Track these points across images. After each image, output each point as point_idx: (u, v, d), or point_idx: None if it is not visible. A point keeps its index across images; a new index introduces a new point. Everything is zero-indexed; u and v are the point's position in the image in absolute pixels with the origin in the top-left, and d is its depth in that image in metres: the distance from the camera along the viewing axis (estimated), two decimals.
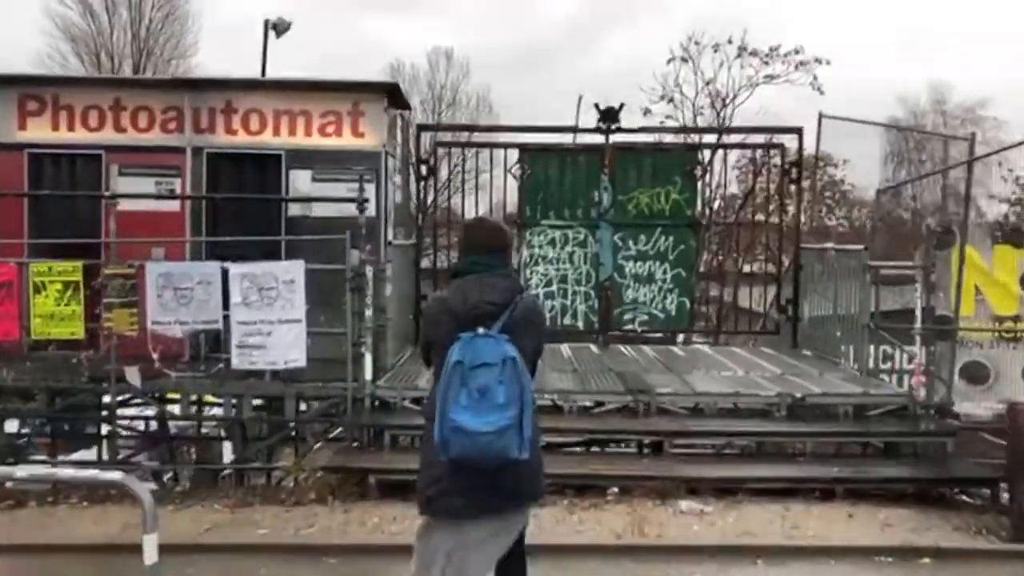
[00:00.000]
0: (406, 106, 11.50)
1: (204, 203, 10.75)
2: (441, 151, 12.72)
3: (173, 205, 10.79)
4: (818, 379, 9.60)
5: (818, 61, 21.01)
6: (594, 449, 8.78)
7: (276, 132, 10.77)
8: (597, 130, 12.11)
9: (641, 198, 12.17)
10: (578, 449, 8.80)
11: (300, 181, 10.74)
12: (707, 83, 20.17)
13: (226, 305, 8.97)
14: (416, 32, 53.68)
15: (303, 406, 9.57)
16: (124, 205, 10.68)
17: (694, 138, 15.50)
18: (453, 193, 21.26)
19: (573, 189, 12.21)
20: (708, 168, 12.37)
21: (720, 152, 12.71)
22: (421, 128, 12.26)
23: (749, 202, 16.00)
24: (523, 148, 12.24)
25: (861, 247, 10.37)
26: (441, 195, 15.06)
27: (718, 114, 20.33)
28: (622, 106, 12.24)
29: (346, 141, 10.76)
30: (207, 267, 9.29)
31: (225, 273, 9.09)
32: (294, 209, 10.75)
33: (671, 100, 19.91)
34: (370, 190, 10.65)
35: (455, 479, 3.60)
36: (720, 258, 14.82)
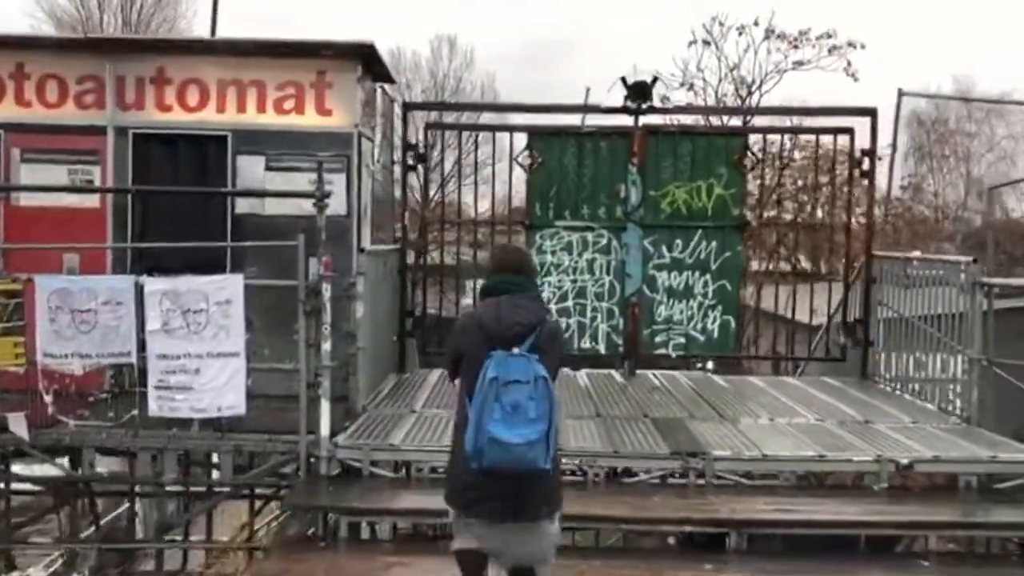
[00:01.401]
0: (388, 78, 9.27)
1: (131, 198, 8.50)
2: (433, 135, 10.42)
3: (91, 200, 8.55)
4: (916, 431, 7.34)
5: (852, 45, 18.98)
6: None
7: (221, 108, 8.52)
8: (624, 110, 9.84)
9: (677, 193, 9.90)
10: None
11: (250, 170, 8.49)
12: (732, 69, 17.99)
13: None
14: (417, 18, 51.32)
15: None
16: (27, 200, 8.52)
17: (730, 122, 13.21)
18: (448, 184, 18.85)
19: (593, 182, 9.93)
20: (760, 157, 10.05)
21: (768, 139, 10.39)
22: (408, 107, 10.02)
23: (806, 198, 13.67)
24: (532, 132, 9.97)
25: (966, 259, 8.08)
26: (437, 189, 12.74)
27: (743, 102, 18.15)
28: (655, 80, 9.97)
29: (309, 120, 8.50)
30: (116, 282, 7.06)
31: (142, 290, 6.89)
32: (243, 206, 8.51)
33: (691, 87, 17.76)
34: (338, 182, 8.44)
35: (486, 486, 3.79)
36: (770, 267, 12.53)
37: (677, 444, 6.82)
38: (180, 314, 6.90)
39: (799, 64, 18.84)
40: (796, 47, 19.67)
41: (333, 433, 6.94)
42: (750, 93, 18.67)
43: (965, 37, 50.96)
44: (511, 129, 9.95)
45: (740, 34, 18.34)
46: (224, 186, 8.43)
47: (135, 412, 7.05)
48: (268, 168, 8.49)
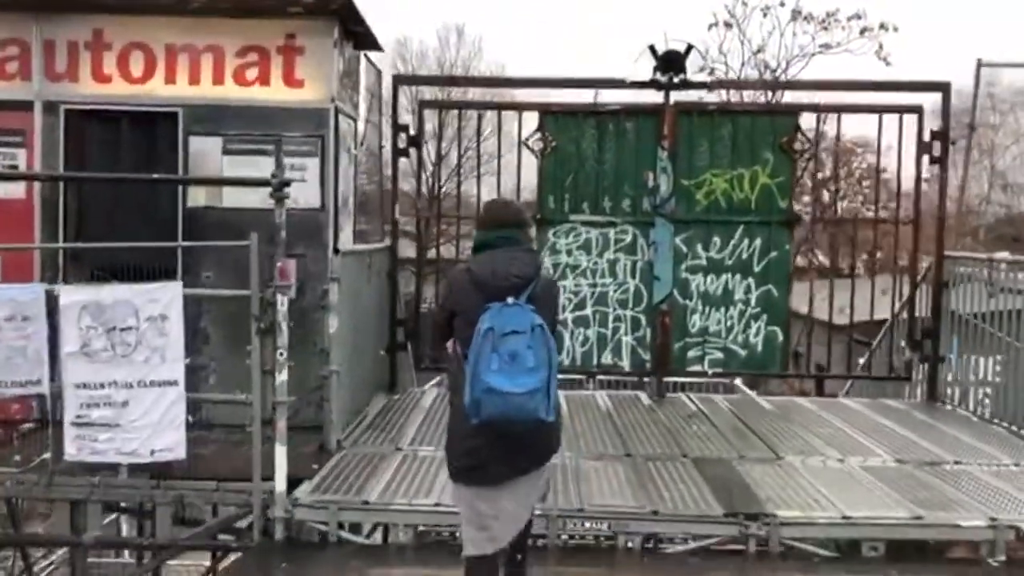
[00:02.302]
0: (374, 44, 7.80)
1: (62, 188, 7.07)
2: (429, 113, 8.93)
3: (15, 190, 7.11)
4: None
5: (884, 28, 17.63)
6: None
7: (170, 79, 7.05)
8: (652, 84, 8.37)
9: (716, 182, 8.44)
10: None
11: (205, 154, 7.04)
12: (756, 52, 16.51)
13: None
14: (424, 7, 49.72)
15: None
16: None
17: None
18: (448, 174, 17.26)
19: (617, 169, 8.47)
20: (812, 141, 8.54)
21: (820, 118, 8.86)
22: (399, 81, 8.49)
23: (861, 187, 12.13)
24: (545, 110, 8.49)
25: None
26: (432, 178, 11.00)
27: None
28: (689, 49, 8.48)
29: (276, 93, 7.04)
30: (20, 292, 5.61)
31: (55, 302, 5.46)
32: (196, 197, 7.06)
33: (712, 72, 16.31)
34: (311, 168, 7.02)
35: (491, 448, 3.69)
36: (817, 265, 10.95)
37: (730, 499, 5.36)
38: (104, 332, 5.48)
39: (826, 47, 17.61)
40: (825, 28, 18.42)
41: (296, 482, 5.52)
42: (775, 79, 17.24)
43: (991, 24, 49.16)
44: (520, 107, 8.46)
45: (764, 15, 17.14)
46: (175, 173, 6.99)
47: (47, 455, 5.66)
48: (226, 151, 7.03)
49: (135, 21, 7.02)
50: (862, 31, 17.80)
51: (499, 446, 3.67)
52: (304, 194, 6.95)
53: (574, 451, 6.34)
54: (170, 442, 5.50)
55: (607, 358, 8.51)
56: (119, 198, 7.12)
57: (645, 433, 7.09)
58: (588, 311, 8.49)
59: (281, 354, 5.26)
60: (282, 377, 5.28)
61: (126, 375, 5.45)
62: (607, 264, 8.46)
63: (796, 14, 17.92)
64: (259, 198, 6.58)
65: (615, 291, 8.47)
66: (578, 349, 8.49)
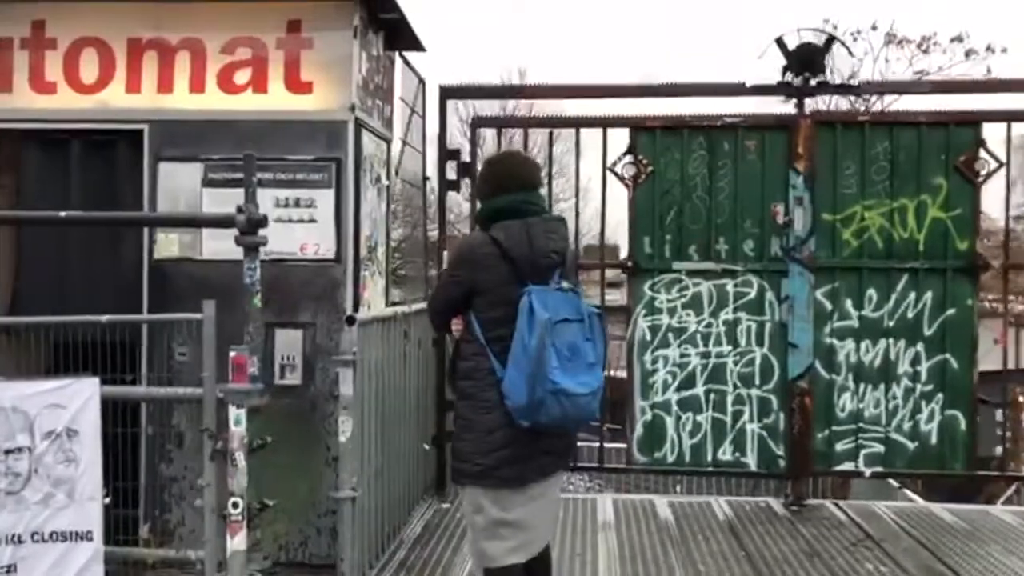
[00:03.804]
0: (412, 41, 5.87)
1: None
2: (486, 134, 6.94)
3: None
4: None
5: (990, 50, 15.75)
6: None
7: (133, 85, 5.19)
8: (783, 88, 6.32)
9: (870, 217, 6.30)
10: None
11: (179, 184, 5.14)
12: (849, 77, 14.45)
13: None
14: (482, 53, 48.35)
15: None
16: None
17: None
18: None
19: (735, 201, 6.37)
20: (1001, 160, 6.31)
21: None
22: (448, 94, 6.47)
23: None
24: (638, 126, 6.43)
25: None
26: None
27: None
28: (831, 42, 6.39)
29: (275, 100, 5.13)
30: None
31: None
32: (167, 246, 5.15)
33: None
34: (322, 203, 5.07)
35: (521, 446, 3.25)
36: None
37: None
38: None
39: (923, 73, 15.78)
40: (924, 52, 16.59)
41: None
42: (866, 106, 15.30)
43: None
44: (605, 123, 6.39)
45: (855, 40, 15.51)
46: (140, 208, 5.09)
47: None
48: (208, 183, 5.12)
49: (87, 9, 5.20)
50: (967, 53, 16.00)
51: (529, 444, 3.27)
52: (312, 239, 5.05)
53: None
54: None
55: (726, 453, 6.33)
56: (66, 249, 5.26)
57: (794, 569, 4.90)
58: (699, 390, 6.34)
59: (235, 504, 3.22)
60: (237, 540, 3.23)
61: (12, 524, 3.49)
62: (724, 327, 6.32)
63: (891, 38, 16.17)
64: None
65: (736, 363, 6.31)
66: (686, 441, 6.34)
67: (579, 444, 6.60)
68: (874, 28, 15.99)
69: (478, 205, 3.81)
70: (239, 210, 3.49)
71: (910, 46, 16.66)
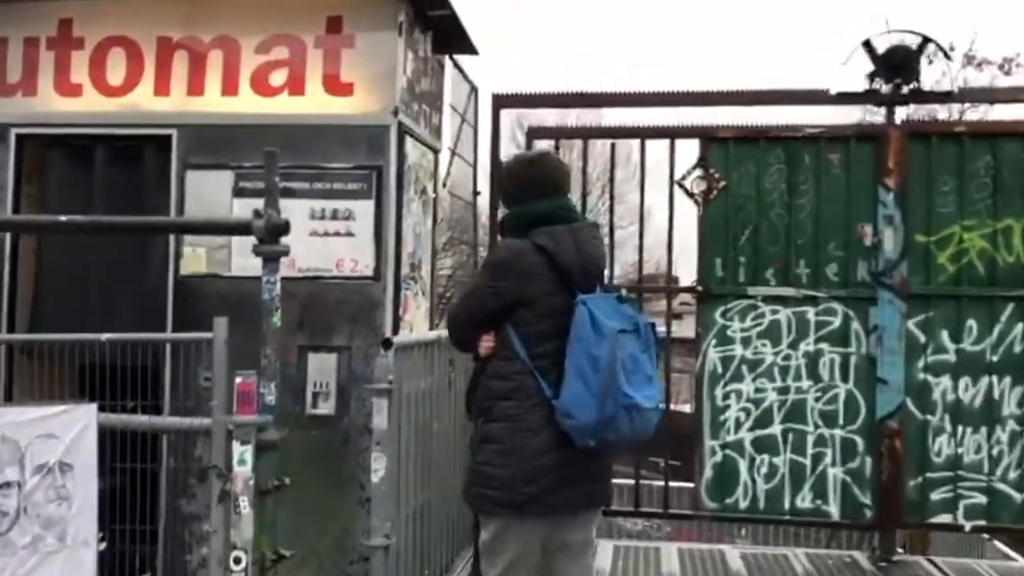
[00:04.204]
0: (463, 43, 5.41)
1: (11, 247, 4.88)
2: (542, 146, 6.42)
3: None
4: None
5: None
6: None
7: (162, 87, 4.85)
8: (871, 96, 5.72)
9: (970, 239, 5.63)
10: None
11: (208, 193, 4.74)
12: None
13: None
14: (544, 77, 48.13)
15: None
16: None
17: None
18: None
19: (817, 220, 5.75)
20: None
21: None
22: (501, 102, 5.99)
23: None
24: (709, 136, 5.87)
25: None
26: None
27: None
28: (925, 43, 5.78)
29: (311, 104, 4.73)
30: None
31: None
32: (195, 261, 4.74)
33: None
34: (362, 215, 4.62)
35: (567, 471, 3.03)
36: None
37: None
38: None
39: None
40: (1006, 73, 15.89)
41: None
42: (960, 116, 14.82)
43: None
44: (672, 133, 5.86)
45: (930, 63, 14.77)
46: (165, 222, 4.68)
47: None
48: (239, 192, 4.71)
49: (116, 6, 4.85)
50: None
51: (577, 468, 3.03)
52: (350, 254, 4.59)
53: None
54: None
55: (806, 500, 5.67)
56: (88, 265, 4.89)
57: None
58: (776, 429, 5.70)
59: (237, 560, 2.73)
60: None
61: None
62: (804, 359, 5.68)
63: (969, 59, 15.51)
64: (284, 263, 4.24)
65: (817, 400, 5.67)
66: (761, 486, 5.69)
67: (641, 483, 6.11)
68: (952, 48, 15.47)
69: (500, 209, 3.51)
70: (257, 214, 3.03)
71: (991, 67, 16.06)
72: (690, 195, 5.83)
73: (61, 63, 4.85)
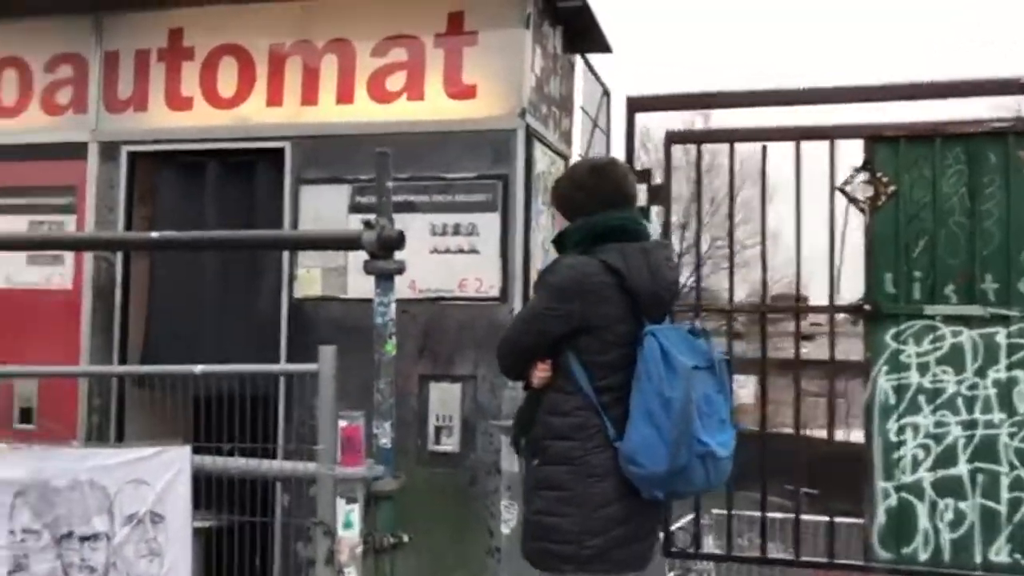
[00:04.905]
0: (594, 39, 4.90)
1: (122, 270, 4.65)
2: (680, 153, 5.85)
3: (58, 279, 4.76)
4: None
5: None
6: None
7: (274, 97, 4.52)
8: None
9: None
10: None
11: (323, 210, 4.38)
12: None
13: None
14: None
15: None
16: None
17: None
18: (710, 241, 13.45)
19: (1006, 227, 4.96)
20: None
21: None
22: (637, 106, 5.44)
23: None
24: (874, 136, 5.16)
25: None
26: (695, 247, 7.26)
27: None
28: None
29: (430, 110, 4.31)
30: None
31: None
32: (309, 283, 4.38)
33: None
34: (486, 228, 4.17)
35: (634, 523, 2.74)
36: None
37: None
38: (51, 542, 2.79)
39: None
40: None
41: None
42: None
43: None
44: (832, 133, 5.17)
45: None
46: (277, 238, 4.34)
47: None
48: (355, 207, 4.33)
49: (228, 12, 4.57)
50: None
51: (643, 520, 2.76)
52: (474, 272, 4.14)
53: None
54: None
55: (1001, 553, 4.86)
56: (202, 287, 4.60)
57: None
58: (962, 470, 4.92)
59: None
60: None
61: None
62: (995, 389, 4.89)
63: None
64: (403, 283, 3.85)
65: (1012, 436, 4.87)
66: (945, 535, 4.92)
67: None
68: None
69: (556, 221, 3.13)
70: (367, 225, 2.60)
71: None
72: (854, 202, 5.14)
73: (172, 75, 4.60)
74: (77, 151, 4.69)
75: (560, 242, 2.94)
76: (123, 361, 4.62)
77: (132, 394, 4.65)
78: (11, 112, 4.86)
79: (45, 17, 4.77)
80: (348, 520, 2.34)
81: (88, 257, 4.62)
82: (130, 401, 4.64)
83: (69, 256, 4.67)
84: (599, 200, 2.84)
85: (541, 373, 2.77)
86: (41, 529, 2.78)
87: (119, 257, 4.61)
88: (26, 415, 4.60)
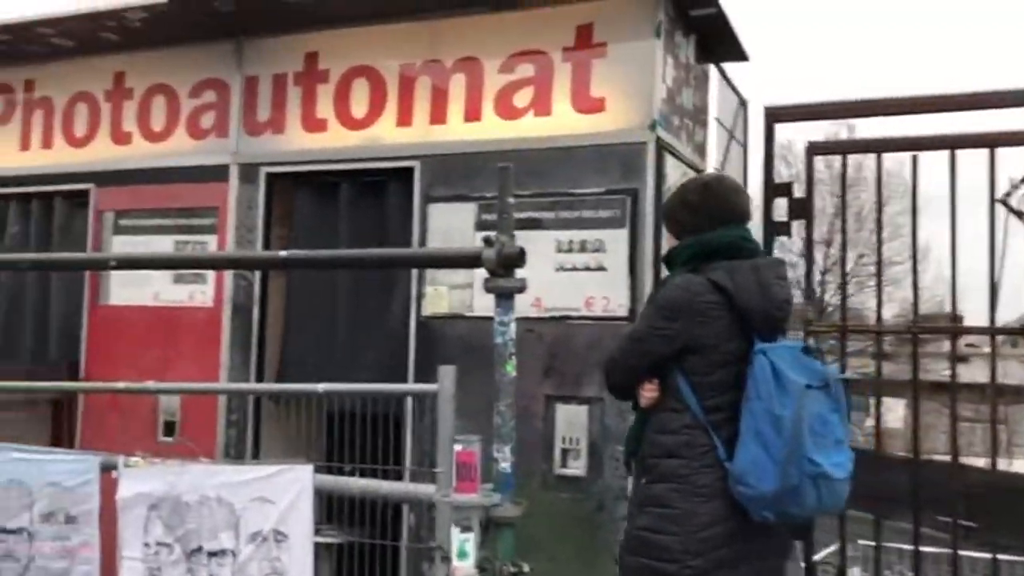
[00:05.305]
0: (730, 48, 4.72)
1: (260, 290, 4.78)
2: (821, 166, 5.56)
3: (201, 296, 4.93)
4: None
5: None
6: None
7: (404, 118, 4.55)
8: None
9: None
10: None
11: (449, 226, 4.37)
12: None
13: None
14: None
15: None
16: (117, 296, 5.18)
17: None
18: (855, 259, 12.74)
19: None
20: None
21: None
22: (775, 116, 5.21)
23: None
24: None
25: None
26: (839, 265, 6.57)
27: None
28: None
29: (558, 125, 4.23)
30: (65, 469, 3.12)
31: None
32: (436, 301, 4.37)
33: None
34: (614, 245, 4.07)
35: (739, 545, 2.63)
36: None
37: None
38: (182, 556, 2.84)
39: None
40: None
41: None
42: None
43: None
44: (993, 141, 4.81)
45: None
46: (404, 256, 4.34)
47: None
48: (481, 224, 4.30)
49: (360, 34, 4.63)
50: None
51: (749, 542, 2.62)
52: (601, 291, 4.03)
53: None
54: None
55: None
56: (334, 305, 4.67)
57: None
58: None
59: None
60: None
61: None
62: None
63: None
64: (528, 301, 3.81)
65: None
66: None
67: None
68: None
69: (667, 239, 2.97)
70: (487, 242, 2.54)
71: None
72: (1018, 215, 4.75)
73: (307, 98, 4.70)
74: (219, 173, 4.85)
75: (670, 261, 2.85)
76: (260, 377, 4.73)
77: (268, 409, 4.75)
78: (159, 136, 5.08)
79: (190, 45, 4.96)
80: (462, 549, 2.27)
81: (228, 275, 4.77)
82: (266, 416, 4.74)
83: (211, 274, 4.83)
84: (706, 218, 2.77)
85: (648, 393, 2.71)
86: (173, 543, 2.84)
87: (257, 276, 4.73)
88: (169, 428, 4.78)
